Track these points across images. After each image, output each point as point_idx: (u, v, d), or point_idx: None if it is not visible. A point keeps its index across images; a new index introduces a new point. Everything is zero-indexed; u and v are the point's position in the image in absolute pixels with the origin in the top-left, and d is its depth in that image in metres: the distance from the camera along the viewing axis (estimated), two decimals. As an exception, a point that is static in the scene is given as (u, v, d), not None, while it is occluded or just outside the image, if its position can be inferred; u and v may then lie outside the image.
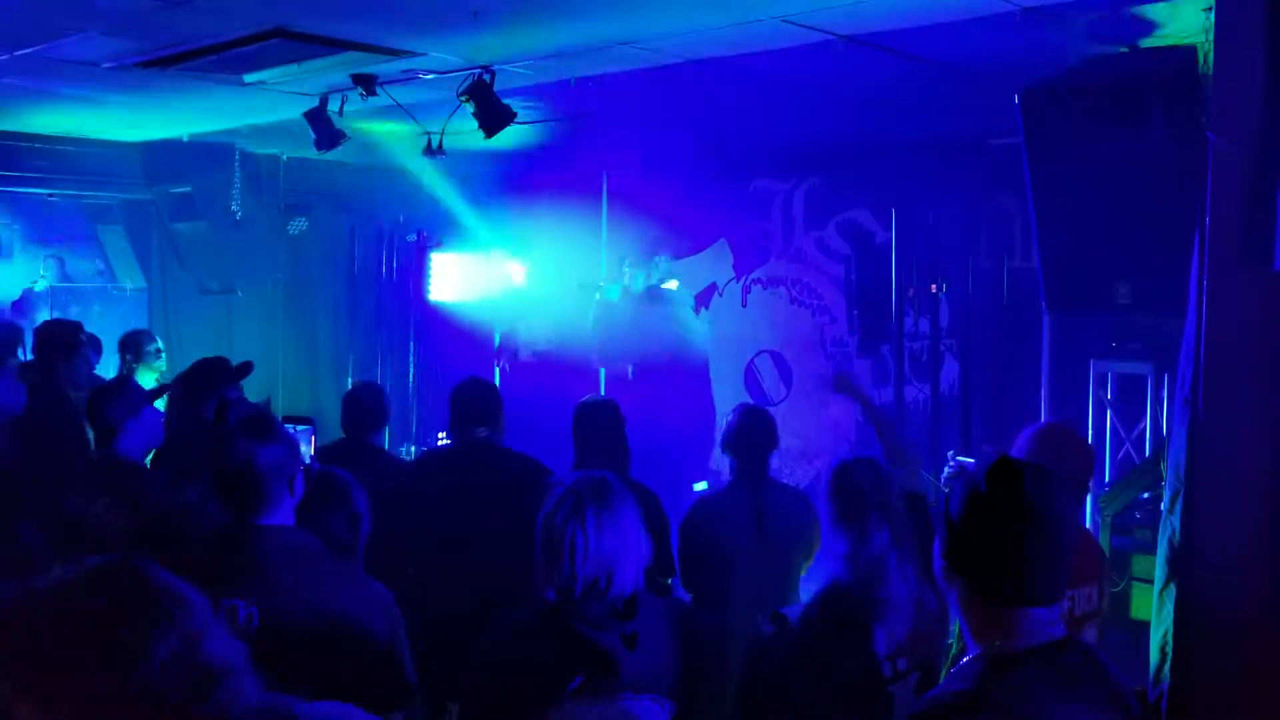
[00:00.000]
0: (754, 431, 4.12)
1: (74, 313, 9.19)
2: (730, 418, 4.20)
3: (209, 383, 4.93)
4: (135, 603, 1.51)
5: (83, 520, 4.01)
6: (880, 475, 3.24)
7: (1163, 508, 3.79)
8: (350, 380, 5.82)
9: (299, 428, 3.87)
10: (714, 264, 9.14)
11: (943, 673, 3.11)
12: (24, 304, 8.74)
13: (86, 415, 4.29)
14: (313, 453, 3.78)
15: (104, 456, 4.17)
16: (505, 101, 5.39)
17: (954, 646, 3.15)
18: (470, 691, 2.68)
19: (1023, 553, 1.84)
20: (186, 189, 8.62)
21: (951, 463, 5.29)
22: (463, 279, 10.01)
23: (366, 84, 5.70)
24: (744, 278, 8.91)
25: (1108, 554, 5.58)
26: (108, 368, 6.79)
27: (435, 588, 4.05)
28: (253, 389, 5.23)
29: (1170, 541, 3.62)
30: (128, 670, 1.45)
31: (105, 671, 1.45)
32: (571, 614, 2.60)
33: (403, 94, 5.86)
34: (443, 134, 6.29)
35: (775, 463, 4.25)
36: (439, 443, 6.36)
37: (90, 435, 5.56)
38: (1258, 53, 3.05)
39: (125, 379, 4.57)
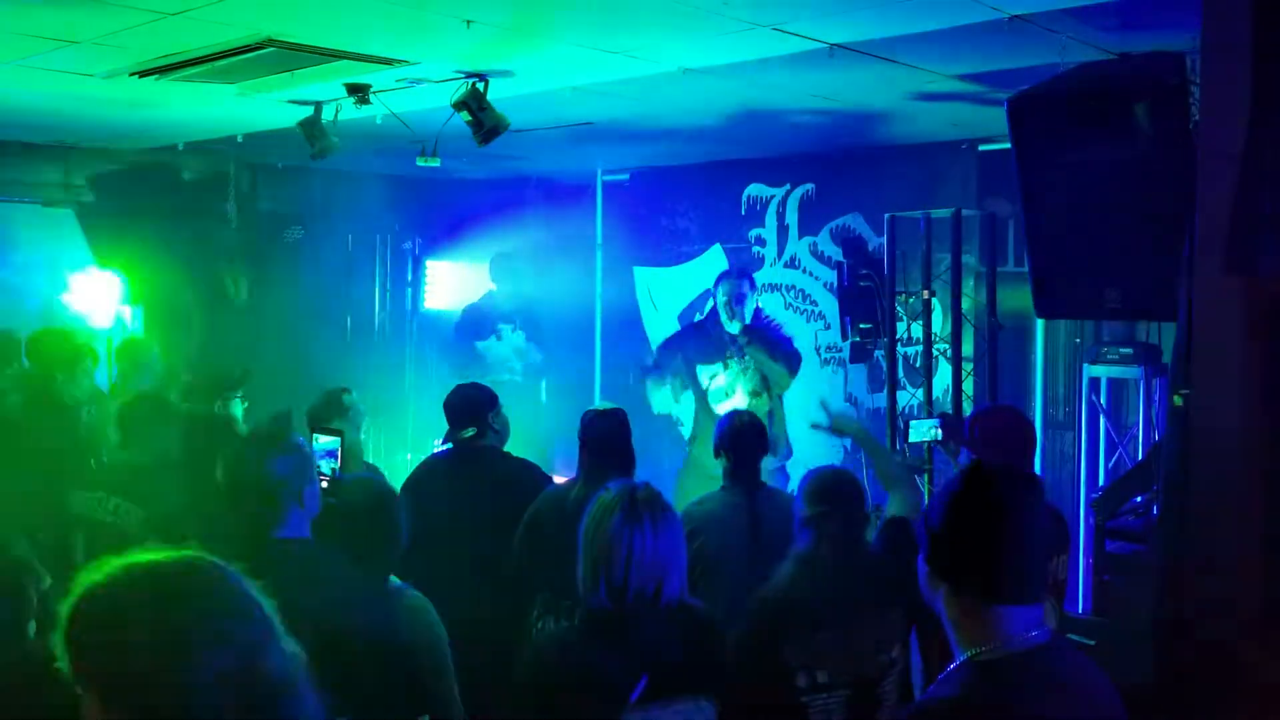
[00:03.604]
0: (745, 436, 4.13)
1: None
2: (721, 423, 4.22)
3: (209, 390, 4.96)
4: (198, 609, 1.47)
5: (91, 523, 4.04)
6: (847, 484, 3.25)
7: (1155, 511, 3.83)
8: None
9: (323, 439, 3.88)
10: (708, 271, 9.16)
11: (884, 691, 3.09)
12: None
13: (118, 421, 4.33)
14: (338, 464, 3.79)
15: (119, 460, 4.21)
16: (499, 110, 5.41)
17: (899, 664, 3.13)
18: (532, 702, 2.65)
19: (999, 550, 1.86)
20: (182, 197, 8.64)
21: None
22: (458, 287, 10.05)
23: (360, 93, 5.73)
24: (738, 284, 8.93)
25: (1101, 557, 5.61)
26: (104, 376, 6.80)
27: (429, 591, 4.07)
28: (250, 398, 5.24)
29: (1165, 544, 3.65)
30: (180, 676, 1.42)
31: (158, 674, 1.42)
32: (624, 621, 2.60)
33: (397, 102, 5.88)
34: (436, 142, 6.31)
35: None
36: (435, 448, 6.37)
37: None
38: (1244, 61, 3.08)
39: (156, 394, 4.60)
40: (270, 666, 1.48)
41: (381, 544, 3.03)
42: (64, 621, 1.46)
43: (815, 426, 4.24)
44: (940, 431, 5.00)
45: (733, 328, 6.74)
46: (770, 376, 6.78)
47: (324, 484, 3.19)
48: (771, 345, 6.83)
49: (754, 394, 6.62)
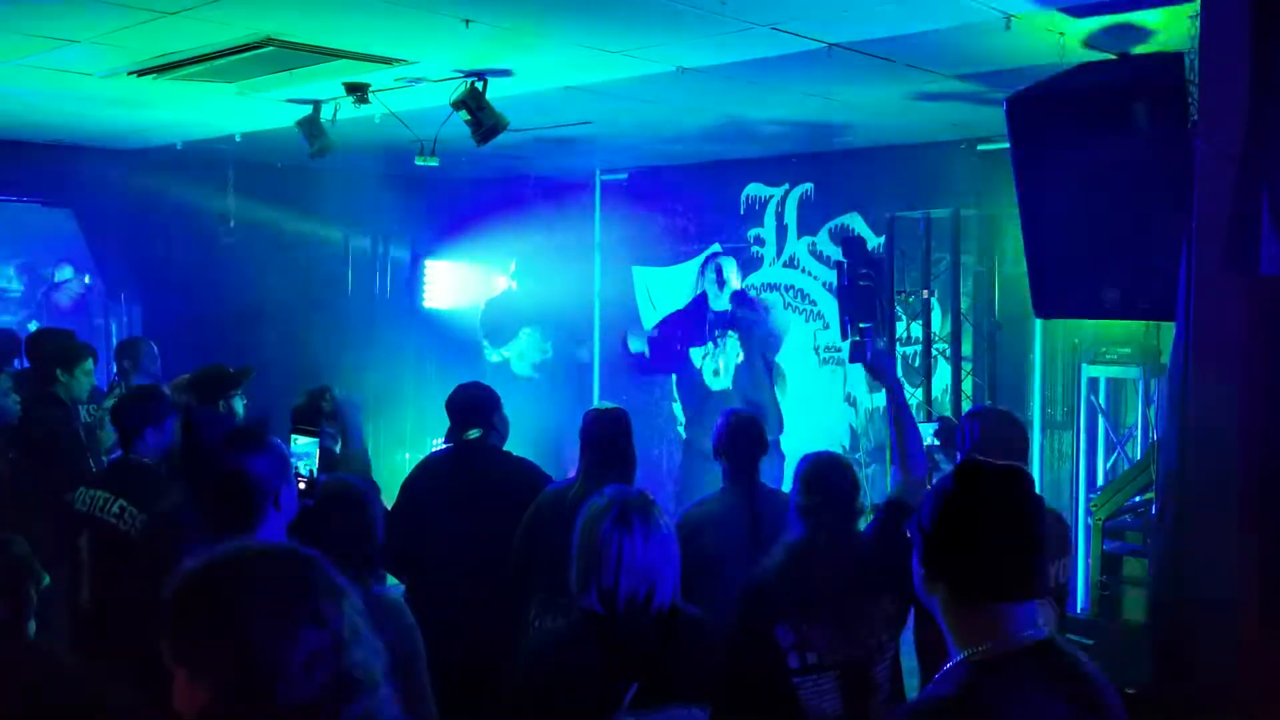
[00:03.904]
0: (744, 436, 4.13)
1: (69, 321, 9.23)
2: (719, 422, 4.21)
3: (212, 389, 4.96)
4: (298, 588, 1.52)
5: (96, 522, 4.05)
6: (843, 474, 3.27)
7: (1154, 511, 3.83)
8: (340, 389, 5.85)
9: (302, 440, 3.85)
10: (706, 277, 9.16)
11: (878, 675, 3.12)
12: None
13: (113, 419, 4.35)
14: (316, 464, 3.77)
15: (122, 460, 4.22)
16: (498, 109, 5.41)
17: (890, 650, 3.16)
18: (524, 704, 2.65)
19: (995, 548, 1.85)
20: (181, 196, 8.63)
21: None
22: (457, 287, 10.06)
23: (359, 92, 5.73)
24: (737, 283, 8.94)
25: (1100, 557, 5.62)
26: (102, 375, 6.80)
27: (430, 591, 4.07)
28: (249, 398, 5.24)
29: (1162, 544, 3.66)
30: (274, 653, 1.45)
31: (245, 651, 1.46)
32: (615, 625, 2.61)
33: (396, 101, 5.88)
34: (435, 142, 6.31)
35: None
36: (434, 448, 6.40)
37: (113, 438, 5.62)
38: (1242, 62, 3.08)
39: (151, 389, 4.62)
40: (358, 657, 1.51)
41: (356, 545, 3.01)
42: (166, 603, 1.52)
43: (853, 360, 4.28)
44: (938, 438, 5.01)
45: (720, 302, 7.05)
46: (757, 334, 7.01)
47: (302, 485, 3.18)
48: (761, 307, 7.20)
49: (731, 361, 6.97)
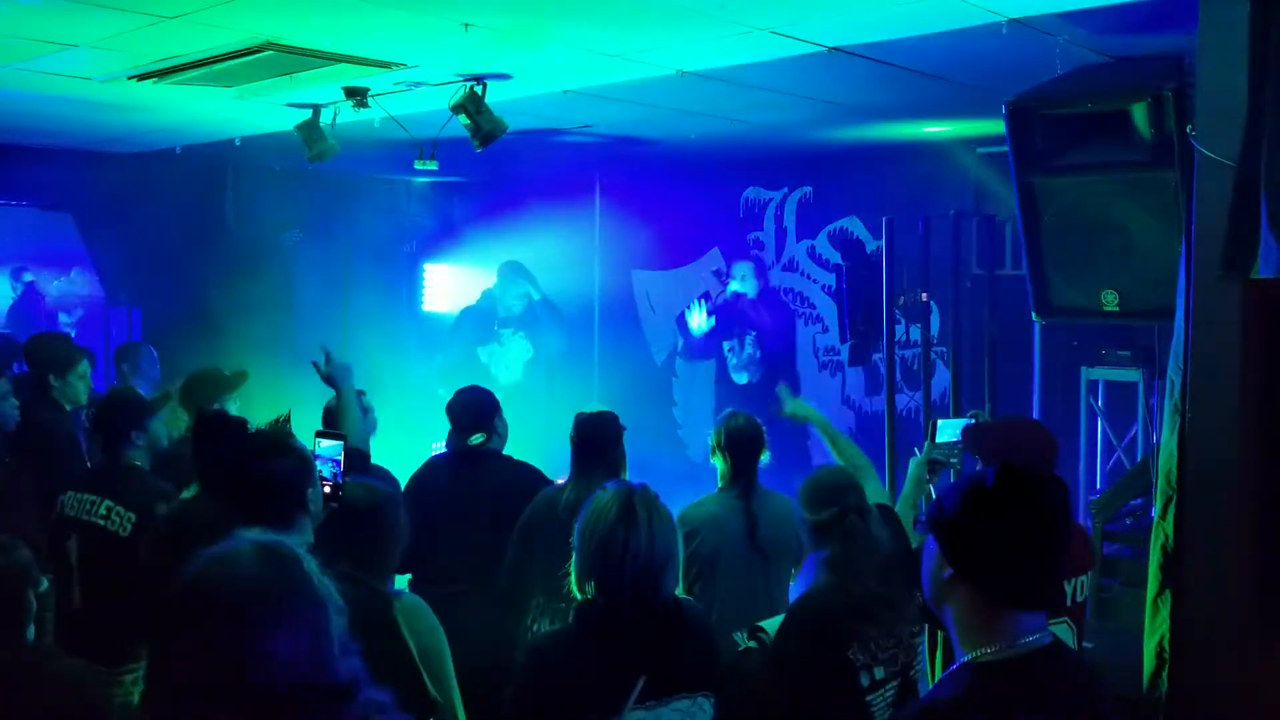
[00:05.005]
0: (743, 437, 4.13)
1: (65, 325, 9.23)
2: (719, 423, 4.21)
3: (207, 393, 4.96)
4: (267, 594, 1.57)
5: (84, 525, 4.05)
6: (853, 480, 3.26)
7: (1154, 514, 3.82)
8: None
9: (325, 443, 3.84)
10: (706, 274, 9.17)
11: (918, 678, 3.12)
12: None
13: (94, 425, 4.34)
14: (342, 468, 3.76)
15: (109, 463, 4.22)
16: (498, 113, 5.41)
17: (923, 643, 3.16)
18: (530, 704, 2.65)
19: (1029, 553, 1.83)
20: (180, 200, 8.64)
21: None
22: (457, 290, 10.06)
23: (359, 96, 5.73)
24: (737, 286, 8.95)
25: (1100, 560, 5.62)
26: (100, 380, 6.80)
27: (430, 594, 4.07)
28: (248, 401, 5.24)
29: (1163, 548, 3.66)
30: (238, 651, 1.51)
31: (218, 644, 1.52)
32: (620, 620, 2.61)
33: (395, 105, 5.89)
34: (435, 145, 6.31)
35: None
36: (434, 452, 6.40)
37: (84, 444, 5.62)
38: (1241, 66, 3.09)
39: (131, 391, 4.63)
40: (334, 659, 1.58)
41: (381, 548, 3.02)
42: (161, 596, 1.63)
43: (775, 412, 4.35)
44: (963, 434, 4.99)
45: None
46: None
47: (326, 489, 3.18)
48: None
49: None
